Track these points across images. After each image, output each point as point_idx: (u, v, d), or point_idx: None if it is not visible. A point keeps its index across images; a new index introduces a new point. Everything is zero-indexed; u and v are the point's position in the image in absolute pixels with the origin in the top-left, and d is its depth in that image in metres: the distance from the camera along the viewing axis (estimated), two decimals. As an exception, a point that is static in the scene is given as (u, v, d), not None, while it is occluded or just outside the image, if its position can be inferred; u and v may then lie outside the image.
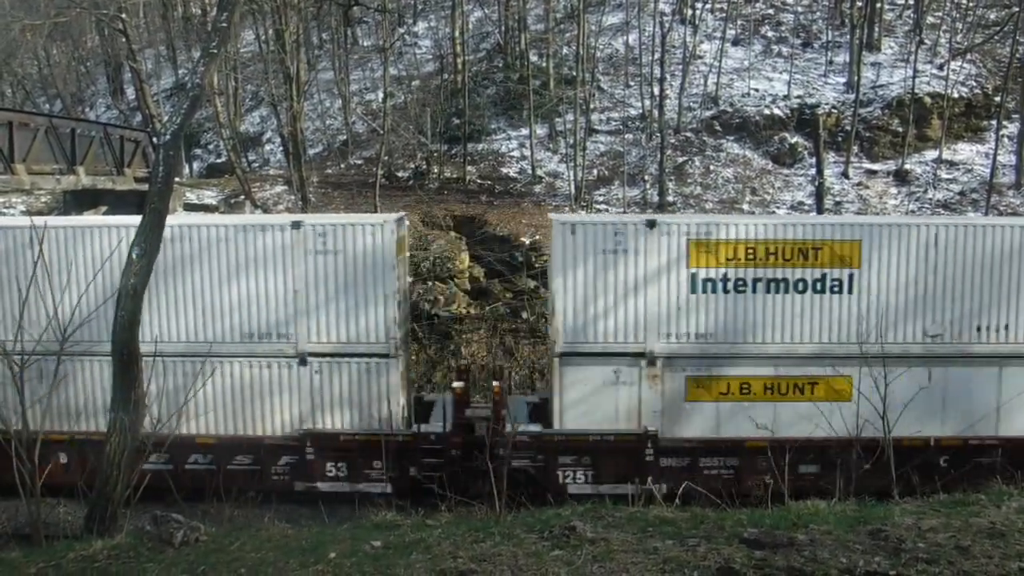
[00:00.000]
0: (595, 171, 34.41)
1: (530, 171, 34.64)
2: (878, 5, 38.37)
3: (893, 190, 32.31)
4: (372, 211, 30.20)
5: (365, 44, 45.68)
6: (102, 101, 49.90)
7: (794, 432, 14.91)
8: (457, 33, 38.77)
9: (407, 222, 17.90)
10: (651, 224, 14.76)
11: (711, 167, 33.84)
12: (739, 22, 41.36)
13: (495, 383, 16.46)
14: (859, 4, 37.78)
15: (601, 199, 32.71)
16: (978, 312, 14.91)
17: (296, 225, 14.89)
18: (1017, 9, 34.57)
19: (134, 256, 10.39)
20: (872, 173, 33.34)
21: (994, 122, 33.52)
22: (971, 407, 14.96)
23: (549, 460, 14.99)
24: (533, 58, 38.58)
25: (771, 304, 14.83)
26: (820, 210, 29.58)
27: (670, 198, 31.80)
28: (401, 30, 45.07)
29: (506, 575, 6.56)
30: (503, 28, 41.58)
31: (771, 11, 42.14)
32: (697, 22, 40.41)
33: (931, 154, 33.63)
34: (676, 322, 14.82)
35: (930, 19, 39.53)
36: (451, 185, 34.64)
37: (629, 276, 14.76)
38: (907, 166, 32.97)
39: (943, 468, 14.63)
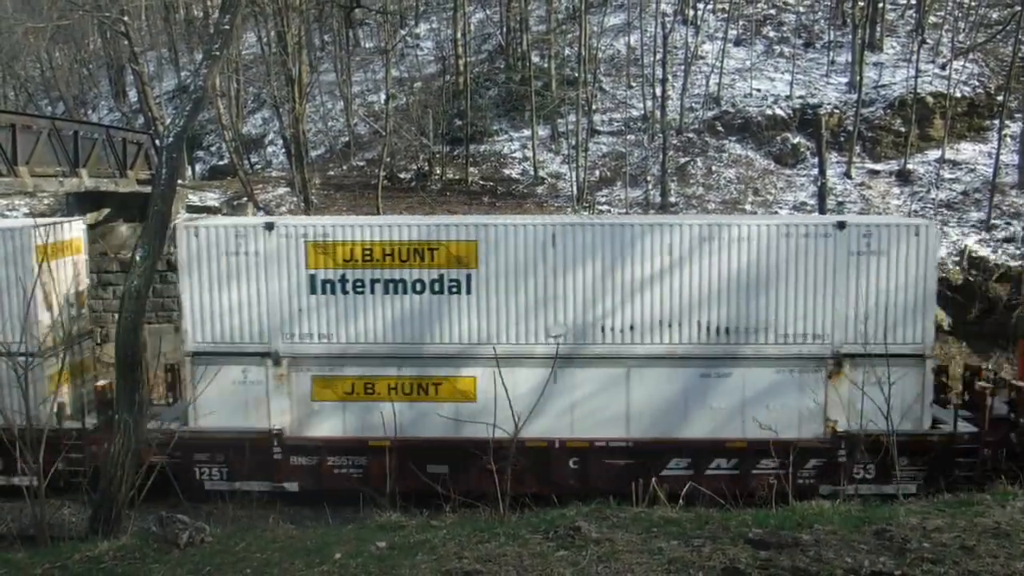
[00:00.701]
0: (597, 172, 34.43)
1: (532, 172, 34.65)
2: (880, 5, 38.35)
3: (896, 190, 32.29)
4: (375, 213, 30.23)
5: (367, 46, 45.73)
6: (104, 103, 49.98)
7: (421, 432, 15.10)
8: (459, 34, 38.81)
9: (83, 225, 18.10)
10: (269, 227, 14.98)
11: (713, 168, 33.83)
12: (741, 22, 41.36)
13: None
14: (861, 4, 37.76)
15: (604, 200, 32.72)
16: (602, 313, 14.87)
17: None
18: (1019, 8, 34.52)
19: (137, 259, 10.41)
20: (875, 173, 33.31)
21: (997, 122, 33.48)
22: (600, 409, 14.91)
23: (186, 457, 15.09)
24: (535, 59, 38.60)
25: (390, 305, 14.96)
26: (823, 210, 29.54)
27: (672, 199, 31.80)
28: (403, 32, 45.12)
29: (511, 575, 6.56)
30: (505, 29, 41.61)
31: (773, 11, 42.14)
32: (699, 23, 40.42)
33: (934, 154, 33.59)
34: (298, 323, 15.04)
35: (932, 19, 39.51)
36: (453, 187, 34.68)
37: (251, 278, 14.98)
38: (910, 166, 32.94)
39: (573, 470, 14.81)
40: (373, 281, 14.95)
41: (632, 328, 14.87)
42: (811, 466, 14.89)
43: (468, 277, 14.87)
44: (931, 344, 14.89)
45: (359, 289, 14.93)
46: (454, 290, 14.92)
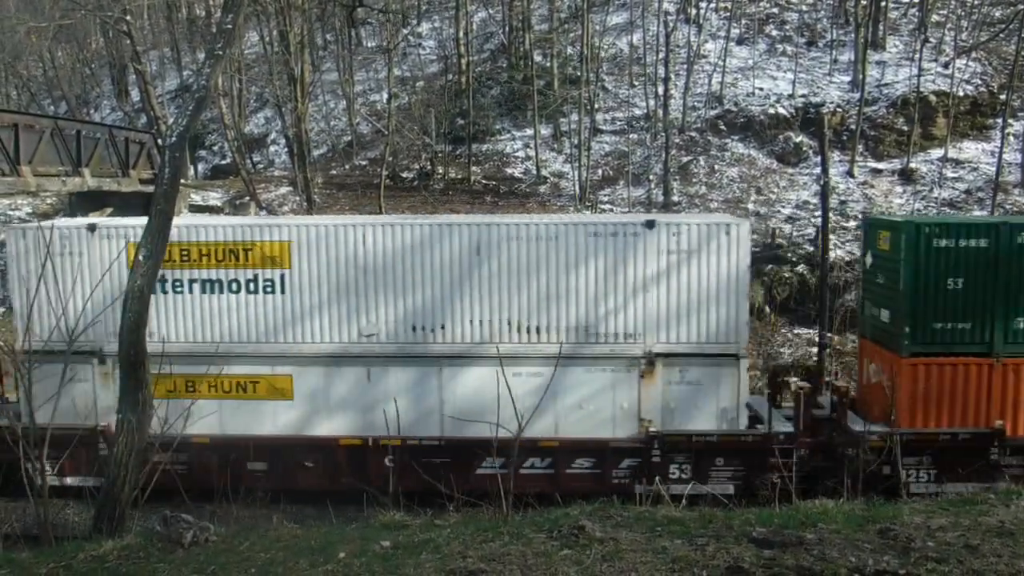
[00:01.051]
0: (600, 171, 34.41)
1: (535, 171, 34.64)
2: (883, 3, 38.29)
3: (899, 189, 32.24)
4: (377, 212, 30.24)
5: (369, 45, 45.73)
6: (107, 103, 50.03)
7: (241, 430, 15.30)
8: (461, 34, 38.81)
9: None
10: (92, 228, 15.36)
11: (716, 167, 33.80)
12: (743, 21, 41.32)
13: None
14: (863, 2, 37.71)
15: (606, 199, 32.71)
16: (412, 312, 15.03)
17: None
18: (1022, 7, 34.47)
19: (141, 258, 10.42)
20: (877, 172, 33.26)
21: (999, 120, 33.44)
22: (414, 407, 15.07)
23: (25, 454, 15.31)
24: (537, 58, 38.58)
25: (207, 304, 15.21)
26: (825, 209, 29.46)
27: (675, 198, 31.78)
28: (405, 31, 45.11)
29: (515, 575, 6.55)
30: (507, 28, 41.60)
31: (775, 10, 42.09)
32: (701, 21, 40.39)
33: (936, 153, 33.52)
34: (120, 321, 15.17)
35: (935, 17, 39.43)
36: (456, 186, 34.68)
37: (77, 278, 15.28)
38: (912, 165, 32.89)
39: (390, 467, 14.95)
40: (191, 281, 15.31)
41: (443, 327, 15.04)
42: (626, 466, 14.89)
43: (282, 277, 15.13)
44: (745, 344, 14.89)
45: (178, 289, 15.27)
46: (268, 290, 15.19)
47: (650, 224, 14.65)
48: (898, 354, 14.53)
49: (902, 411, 14.49)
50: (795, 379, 16.09)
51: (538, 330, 14.90)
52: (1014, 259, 14.20)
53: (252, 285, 15.18)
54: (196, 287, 15.23)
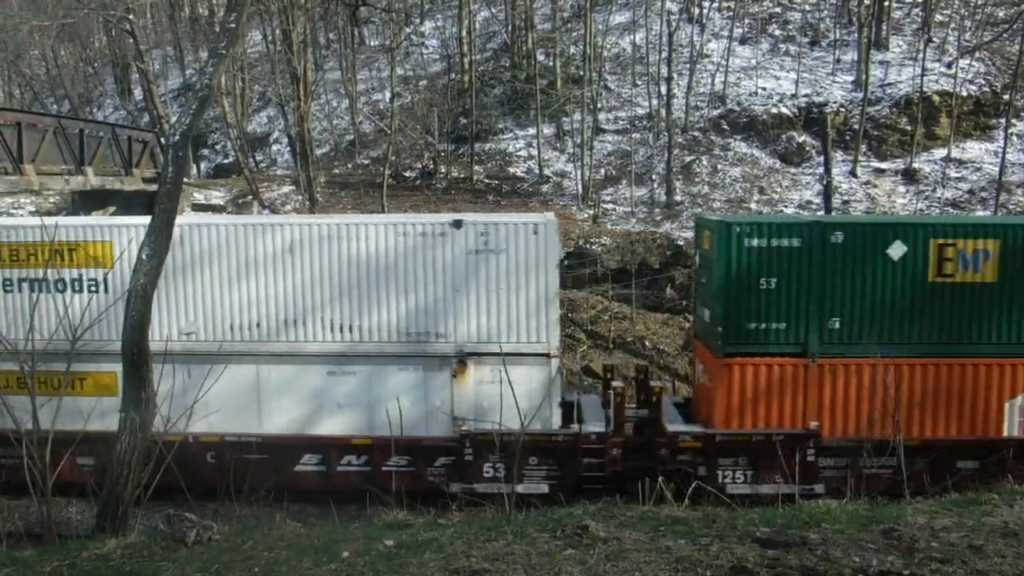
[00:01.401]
0: (603, 170, 34.41)
1: (537, 171, 34.64)
2: (886, 3, 38.27)
3: (901, 189, 32.24)
4: (380, 211, 30.23)
5: (372, 44, 45.75)
6: (110, 102, 50.06)
7: (69, 426, 14.97)
8: (464, 33, 38.82)
9: None
10: None
11: (719, 166, 33.80)
12: (746, 21, 41.30)
13: None
14: (867, 2, 37.67)
15: (609, 199, 32.70)
16: (230, 310, 15.21)
17: None
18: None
19: (144, 257, 10.44)
20: (880, 172, 33.25)
21: (1003, 120, 33.39)
22: (234, 405, 15.15)
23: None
24: (540, 57, 38.59)
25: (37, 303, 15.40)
26: (828, 209, 29.51)
27: (677, 197, 31.78)
28: (408, 30, 45.12)
29: (519, 574, 6.55)
30: (510, 27, 41.59)
31: (778, 9, 42.06)
32: (704, 21, 40.37)
33: (940, 152, 33.51)
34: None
35: (938, 17, 39.41)
36: (458, 185, 34.70)
37: None
38: (915, 165, 32.88)
39: (212, 464, 14.94)
40: (20, 280, 15.56)
41: (259, 326, 15.20)
42: (440, 464, 14.95)
43: (105, 276, 15.36)
44: (556, 343, 14.94)
45: (8, 288, 15.50)
46: (93, 289, 15.43)
47: (457, 224, 14.82)
48: (714, 354, 14.49)
49: (719, 411, 14.44)
50: (616, 380, 16.14)
51: (351, 329, 15.07)
52: (827, 258, 14.04)
53: (77, 284, 15.45)
54: (26, 286, 15.49)
